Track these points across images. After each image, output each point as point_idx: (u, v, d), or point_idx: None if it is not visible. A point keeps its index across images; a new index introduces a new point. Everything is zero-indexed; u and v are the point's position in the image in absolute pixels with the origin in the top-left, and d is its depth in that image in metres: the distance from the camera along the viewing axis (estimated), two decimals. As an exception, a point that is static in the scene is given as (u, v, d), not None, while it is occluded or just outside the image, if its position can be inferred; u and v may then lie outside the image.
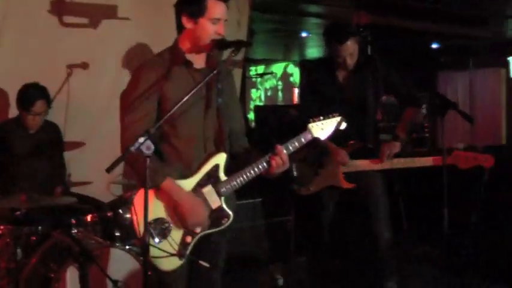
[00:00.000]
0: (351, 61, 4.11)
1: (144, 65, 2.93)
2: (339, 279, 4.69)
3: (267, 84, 16.06)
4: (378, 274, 4.24)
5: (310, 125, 2.96)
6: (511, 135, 11.75)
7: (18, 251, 3.53)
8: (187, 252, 2.83)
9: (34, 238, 3.68)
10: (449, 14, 8.54)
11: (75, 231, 3.74)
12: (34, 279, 3.46)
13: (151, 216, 2.74)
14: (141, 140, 2.44)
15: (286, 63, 15.58)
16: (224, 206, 2.88)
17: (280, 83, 15.82)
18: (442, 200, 3.67)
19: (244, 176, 2.88)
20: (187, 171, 2.88)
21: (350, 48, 4.06)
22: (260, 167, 2.87)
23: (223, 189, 2.88)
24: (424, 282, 4.58)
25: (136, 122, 2.79)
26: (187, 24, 2.84)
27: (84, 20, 4.74)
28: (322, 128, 2.97)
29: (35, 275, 3.47)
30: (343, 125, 3.02)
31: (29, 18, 4.52)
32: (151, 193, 2.72)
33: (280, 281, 4.72)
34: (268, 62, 15.38)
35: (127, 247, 3.66)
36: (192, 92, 2.63)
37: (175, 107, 2.61)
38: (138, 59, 4.66)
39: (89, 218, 3.90)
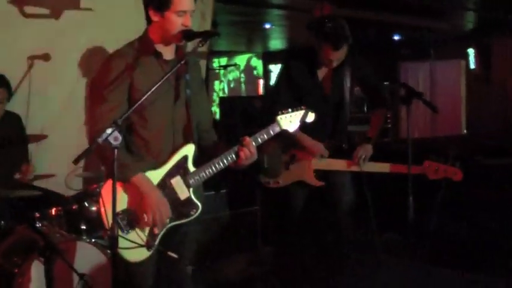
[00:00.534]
0: (337, 63, 4.03)
1: (114, 55, 2.91)
2: (306, 269, 4.72)
3: (230, 76, 16.04)
4: (337, 242, 4.29)
5: (278, 117, 2.98)
6: (470, 125, 11.98)
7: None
8: (156, 243, 2.82)
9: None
10: (410, 6, 8.63)
11: (40, 225, 3.69)
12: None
13: (120, 207, 2.74)
14: (109, 131, 2.42)
15: (250, 55, 15.59)
16: (193, 197, 2.89)
17: (243, 75, 15.82)
18: (407, 189, 3.73)
19: (213, 167, 2.89)
20: (156, 162, 2.87)
21: (342, 53, 3.96)
22: (229, 158, 2.89)
23: (191, 181, 2.88)
24: (390, 270, 4.63)
25: (108, 113, 2.76)
26: (154, 17, 2.83)
27: (46, 11, 4.65)
28: (291, 121, 3.00)
29: (-1, 270, 3.41)
30: (311, 118, 3.04)
31: (-11, 9, 4.42)
32: (119, 184, 2.70)
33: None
34: (231, 54, 15.36)
35: (93, 240, 3.62)
36: (160, 82, 2.62)
37: (143, 98, 2.60)
38: (101, 51, 4.61)
39: (53, 211, 3.85)
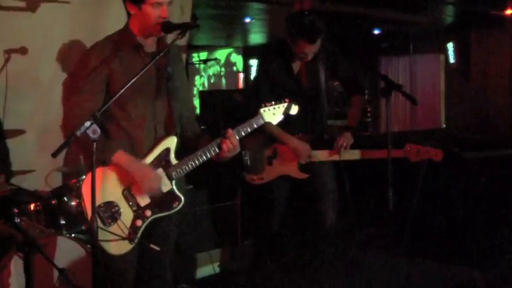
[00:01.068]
0: (312, 56, 4.07)
1: (92, 47, 2.92)
2: (287, 263, 4.74)
3: (210, 71, 16.02)
4: (322, 253, 4.31)
5: (261, 110, 2.98)
6: (449, 119, 12.08)
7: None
8: (138, 236, 2.82)
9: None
10: (390, 0, 8.68)
11: (18, 220, 3.65)
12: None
13: (101, 200, 2.74)
14: (87, 124, 2.41)
15: (229, 49, 15.56)
16: (175, 189, 2.88)
17: (223, 69, 15.80)
18: (386, 182, 3.75)
19: (196, 160, 2.89)
20: (138, 154, 2.87)
21: (317, 47, 4.01)
22: (211, 151, 2.89)
23: (174, 173, 2.88)
24: (370, 264, 4.66)
25: (82, 103, 2.77)
26: (132, 10, 2.85)
27: (22, 4, 4.58)
28: (274, 113, 2.99)
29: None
30: (295, 110, 3.04)
31: (-38, 1, 4.36)
32: (100, 177, 2.71)
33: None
34: (211, 48, 15.32)
35: (73, 235, 3.59)
36: (140, 74, 2.62)
37: (123, 89, 2.59)
38: (79, 44, 4.56)
39: (32, 206, 3.81)
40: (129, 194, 2.83)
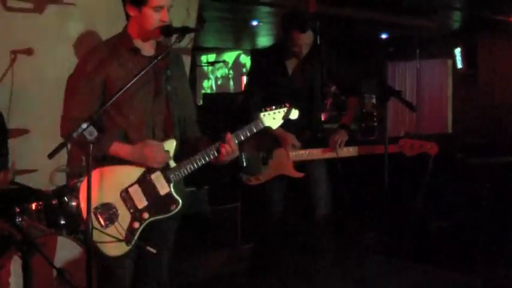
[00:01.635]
0: (305, 50, 4.11)
1: (90, 51, 2.92)
2: (286, 266, 4.74)
3: (218, 73, 16.01)
4: (315, 251, 4.32)
5: (261, 114, 2.98)
6: (456, 124, 12.04)
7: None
8: (135, 238, 2.83)
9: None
10: (397, 5, 8.66)
11: (19, 219, 3.68)
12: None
13: (98, 201, 2.75)
14: (84, 125, 2.42)
15: (238, 52, 15.56)
16: (173, 192, 2.88)
17: (232, 71, 15.79)
18: (388, 187, 3.76)
19: (194, 163, 2.90)
20: None
21: (310, 37, 4.06)
22: (210, 154, 2.89)
23: (172, 176, 2.88)
24: (371, 269, 4.66)
25: (78, 105, 2.79)
26: (132, 12, 2.85)
27: (29, 5, 4.63)
28: (274, 118, 3.00)
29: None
30: (295, 114, 3.05)
31: (-29, 3, 4.41)
32: (97, 178, 2.73)
33: None
34: (219, 50, 15.33)
35: (73, 235, 3.62)
36: (137, 77, 2.63)
37: (119, 93, 2.60)
38: (84, 45, 4.60)
39: (33, 206, 3.85)
40: (127, 196, 2.83)
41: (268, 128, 3.01)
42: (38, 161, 4.41)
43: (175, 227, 3.07)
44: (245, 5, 8.94)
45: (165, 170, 2.87)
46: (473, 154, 6.93)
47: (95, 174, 2.75)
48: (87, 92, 2.82)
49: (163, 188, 2.87)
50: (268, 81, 4.20)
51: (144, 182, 2.85)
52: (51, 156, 2.41)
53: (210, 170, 3.04)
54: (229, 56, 15.63)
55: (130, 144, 2.83)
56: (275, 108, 3.00)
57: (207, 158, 2.90)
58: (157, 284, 3.03)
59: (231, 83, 15.83)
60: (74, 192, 3.85)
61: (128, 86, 2.60)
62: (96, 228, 2.68)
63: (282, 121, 3.03)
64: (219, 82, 15.98)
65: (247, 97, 4.34)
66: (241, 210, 4.96)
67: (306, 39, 4.05)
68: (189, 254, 4.85)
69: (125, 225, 2.81)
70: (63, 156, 4.30)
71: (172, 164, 2.89)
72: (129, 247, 2.82)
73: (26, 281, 3.11)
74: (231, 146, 2.88)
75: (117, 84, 2.77)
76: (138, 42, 2.90)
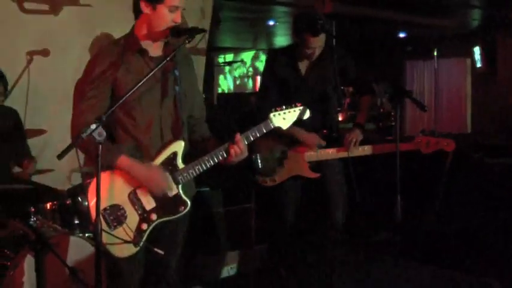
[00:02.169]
0: (318, 52, 4.09)
1: (98, 53, 2.93)
2: (299, 267, 4.74)
3: (236, 73, 16.04)
4: (327, 258, 4.32)
5: (271, 115, 2.98)
6: (475, 124, 11.93)
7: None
8: (143, 239, 2.83)
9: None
10: (415, 4, 8.61)
11: (34, 219, 3.71)
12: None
13: (107, 203, 2.76)
14: (93, 126, 2.44)
15: (255, 51, 15.57)
16: (181, 193, 2.88)
17: (251, 70, 15.81)
18: (403, 187, 3.74)
19: (203, 165, 2.89)
20: (145, 158, 2.88)
21: (322, 40, 4.04)
22: (219, 155, 2.89)
23: (180, 177, 2.88)
24: (382, 270, 4.64)
25: (88, 110, 2.79)
26: (145, 9, 2.82)
27: (45, 7, 4.68)
28: (284, 118, 2.99)
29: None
30: (307, 115, 3.04)
31: (-12, 5, 4.46)
32: (107, 179, 2.75)
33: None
34: (237, 50, 15.35)
35: (86, 234, 3.65)
36: (145, 79, 2.63)
37: (127, 94, 2.61)
38: (99, 47, 4.62)
39: (48, 205, 3.88)
40: (135, 198, 2.84)
41: (279, 129, 3.00)
42: (54, 161, 4.45)
43: (185, 228, 3.07)
44: (262, 4, 8.95)
45: (174, 171, 2.87)
46: (491, 154, 6.86)
47: (104, 175, 2.75)
48: (95, 96, 2.82)
49: (171, 189, 2.87)
50: (281, 81, 4.20)
51: None
52: (60, 157, 2.44)
53: (223, 170, 3.04)
54: (247, 56, 15.66)
55: (137, 161, 2.81)
56: (285, 108, 3.00)
57: (215, 159, 2.89)
58: (166, 284, 3.05)
59: (250, 82, 15.85)
60: (87, 192, 3.88)
61: (135, 88, 2.61)
62: (104, 230, 2.67)
63: (292, 121, 3.02)
64: (237, 82, 16.01)
65: (261, 97, 4.35)
66: (255, 210, 4.95)
67: (318, 43, 4.02)
68: (203, 254, 4.86)
69: (133, 226, 2.82)
70: (80, 157, 4.34)
71: (180, 165, 2.89)
72: (137, 248, 2.83)
73: (39, 281, 3.15)
74: (239, 147, 2.87)
75: (125, 87, 2.77)
76: (145, 43, 2.89)
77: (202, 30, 2.82)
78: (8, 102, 4.35)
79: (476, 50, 11.32)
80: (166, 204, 2.87)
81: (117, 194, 2.82)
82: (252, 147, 2.98)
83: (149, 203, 2.86)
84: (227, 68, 15.75)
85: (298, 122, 3.08)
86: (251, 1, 8.56)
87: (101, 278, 2.50)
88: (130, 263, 2.87)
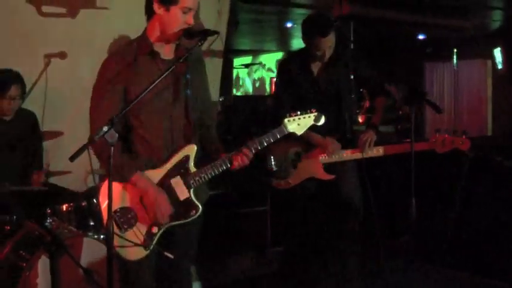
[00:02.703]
0: (329, 53, 4.09)
1: (110, 56, 2.94)
2: (314, 270, 4.72)
3: (256, 75, 16.04)
4: (341, 253, 4.30)
5: (286, 120, 2.98)
6: (496, 126, 11.79)
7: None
8: (153, 242, 2.83)
9: (8, 227, 3.68)
10: (434, 5, 8.55)
11: (50, 220, 3.74)
12: (4, 267, 3.46)
13: (117, 205, 2.76)
14: (105, 128, 2.45)
15: (275, 53, 15.56)
16: (193, 197, 2.88)
17: (270, 73, 15.80)
18: (421, 190, 3.71)
19: (215, 169, 2.89)
20: (157, 161, 2.88)
21: (331, 40, 4.04)
22: (223, 165, 2.89)
23: (192, 181, 2.87)
24: (397, 274, 4.60)
25: (104, 114, 2.75)
26: (159, 10, 2.81)
27: (62, 10, 4.72)
28: (299, 124, 2.99)
29: (6, 263, 3.47)
30: (322, 121, 3.03)
31: (7, 8, 4.50)
32: (117, 182, 2.75)
33: None
34: (255, 52, 15.36)
35: (101, 236, 3.66)
36: (156, 82, 2.63)
37: (139, 97, 2.61)
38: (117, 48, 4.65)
39: (64, 207, 3.91)
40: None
41: (293, 134, 2.99)
42: (71, 163, 4.50)
43: (196, 231, 3.07)
44: (280, 7, 8.95)
45: (185, 175, 2.87)
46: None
47: (115, 178, 2.76)
48: (109, 99, 2.82)
49: (182, 193, 2.86)
50: (295, 85, 4.20)
51: (163, 187, 2.85)
52: (72, 159, 2.45)
53: (239, 173, 3.04)
54: (266, 58, 15.65)
55: (150, 182, 2.82)
56: (300, 114, 2.99)
57: (220, 169, 2.89)
58: (178, 286, 3.04)
59: (269, 85, 15.85)
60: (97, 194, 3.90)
61: (147, 91, 2.61)
62: (115, 233, 2.68)
63: (307, 127, 3.01)
64: (256, 85, 16.01)
65: (275, 101, 4.34)
66: (270, 213, 4.96)
67: (328, 43, 4.03)
68: (218, 257, 4.86)
69: (144, 229, 2.82)
70: (93, 159, 4.36)
71: (192, 169, 2.89)
72: (147, 252, 2.82)
73: (54, 282, 3.17)
74: (243, 161, 2.88)
75: (137, 90, 2.75)
76: (157, 46, 2.88)
77: (215, 32, 2.81)
78: (25, 105, 4.39)
79: (497, 52, 11.19)
80: (178, 208, 2.86)
81: (128, 196, 2.82)
82: (266, 149, 2.97)
83: (160, 206, 2.85)
84: (246, 71, 15.75)
85: (313, 128, 3.07)
86: (269, 3, 8.56)
87: (113, 281, 2.50)
88: (141, 266, 2.86)
